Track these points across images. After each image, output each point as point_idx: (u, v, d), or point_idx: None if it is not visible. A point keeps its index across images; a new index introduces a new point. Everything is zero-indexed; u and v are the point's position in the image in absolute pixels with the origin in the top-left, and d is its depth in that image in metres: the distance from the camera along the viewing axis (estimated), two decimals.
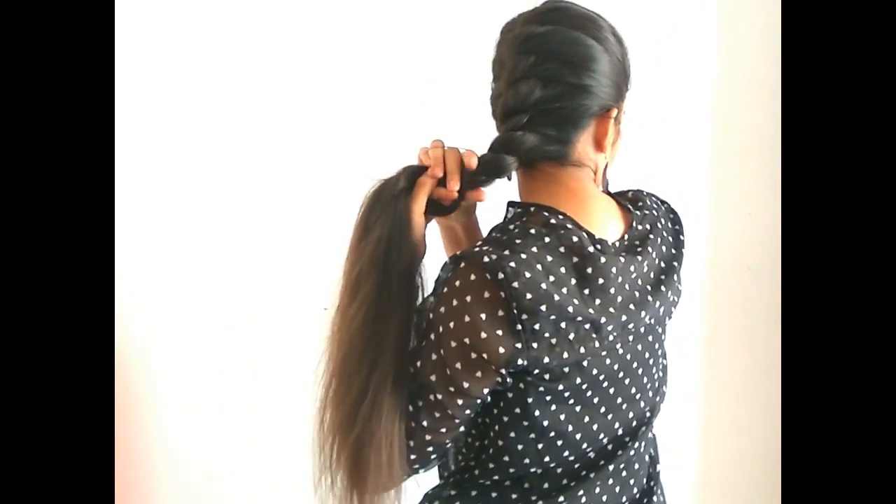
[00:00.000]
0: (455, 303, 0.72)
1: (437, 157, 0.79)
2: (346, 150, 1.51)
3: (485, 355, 0.72)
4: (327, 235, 1.51)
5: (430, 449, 0.78)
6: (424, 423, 0.75)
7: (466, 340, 0.72)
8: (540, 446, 0.78)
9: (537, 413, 0.76)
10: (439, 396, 0.74)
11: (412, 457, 0.77)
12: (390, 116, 1.51)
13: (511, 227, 0.77)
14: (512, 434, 0.78)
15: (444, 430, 0.77)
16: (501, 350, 0.71)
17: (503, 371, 0.73)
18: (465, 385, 0.73)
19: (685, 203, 0.93)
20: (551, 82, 0.74)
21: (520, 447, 0.78)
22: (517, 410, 0.77)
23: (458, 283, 0.73)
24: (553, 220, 0.76)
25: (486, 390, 0.76)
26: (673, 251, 0.87)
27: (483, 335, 0.71)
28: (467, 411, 0.76)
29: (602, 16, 0.79)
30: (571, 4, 0.79)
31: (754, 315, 1.77)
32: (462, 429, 0.78)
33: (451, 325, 0.73)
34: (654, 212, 0.87)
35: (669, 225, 0.89)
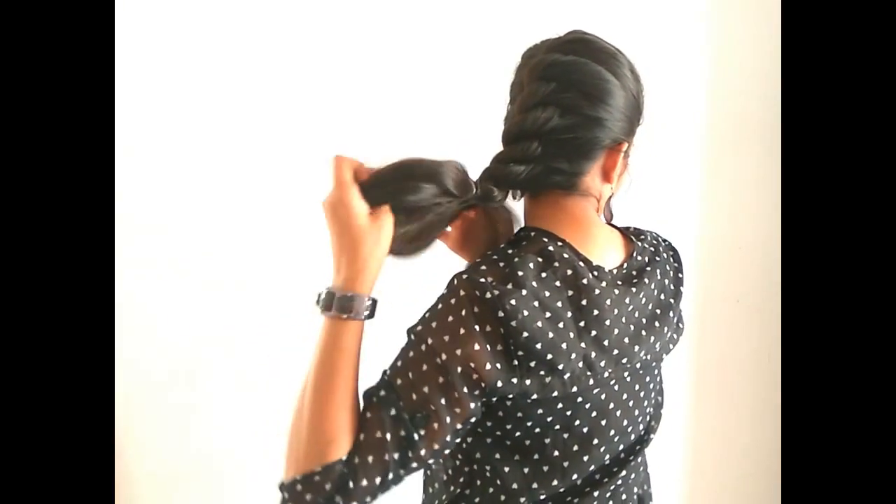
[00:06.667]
0: (451, 319, 0.71)
1: None
2: (344, 150, 1.51)
3: (474, 376, 0.70)
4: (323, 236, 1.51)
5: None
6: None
7: (458, 352, 0.70)
8: (526, 471, 0.78)
9: (518, 434, 0.76)
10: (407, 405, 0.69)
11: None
12: (390, 116, 1.51)
13: (510, 251, 0.77)
14: (497, 455, 0.78)
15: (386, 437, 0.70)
16: (491, 372, 0.70)
17: (485, 393, 0.71)
18: (443, 399, 0.69)
19: (675, 236, 0.94)
20: (569, 112, 0.75)
21: (507, 469, 0.78)
22: (499, 433, 0.77)
23: (453, 301, 0.72)
24: (551, 248, 0.76)
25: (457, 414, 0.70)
26: (672, 287, 0.87)
27: (476, 357, 0.70)
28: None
29: (622, 51, 0.80)
30: (595, 38, 0.80)
31: (744, 347, 1.77)
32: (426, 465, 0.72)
33: (446, 338, 0.70)
34: (654, 248, 0.88)
35: (671, 260, 0.90)
